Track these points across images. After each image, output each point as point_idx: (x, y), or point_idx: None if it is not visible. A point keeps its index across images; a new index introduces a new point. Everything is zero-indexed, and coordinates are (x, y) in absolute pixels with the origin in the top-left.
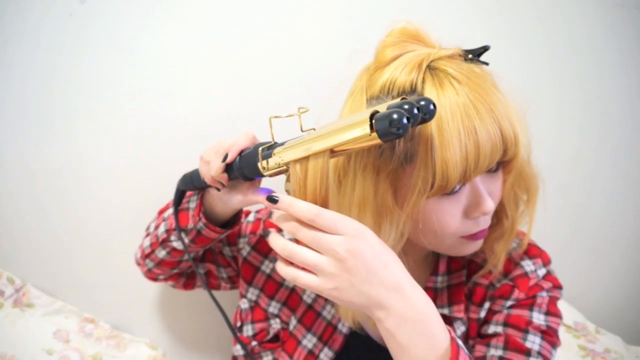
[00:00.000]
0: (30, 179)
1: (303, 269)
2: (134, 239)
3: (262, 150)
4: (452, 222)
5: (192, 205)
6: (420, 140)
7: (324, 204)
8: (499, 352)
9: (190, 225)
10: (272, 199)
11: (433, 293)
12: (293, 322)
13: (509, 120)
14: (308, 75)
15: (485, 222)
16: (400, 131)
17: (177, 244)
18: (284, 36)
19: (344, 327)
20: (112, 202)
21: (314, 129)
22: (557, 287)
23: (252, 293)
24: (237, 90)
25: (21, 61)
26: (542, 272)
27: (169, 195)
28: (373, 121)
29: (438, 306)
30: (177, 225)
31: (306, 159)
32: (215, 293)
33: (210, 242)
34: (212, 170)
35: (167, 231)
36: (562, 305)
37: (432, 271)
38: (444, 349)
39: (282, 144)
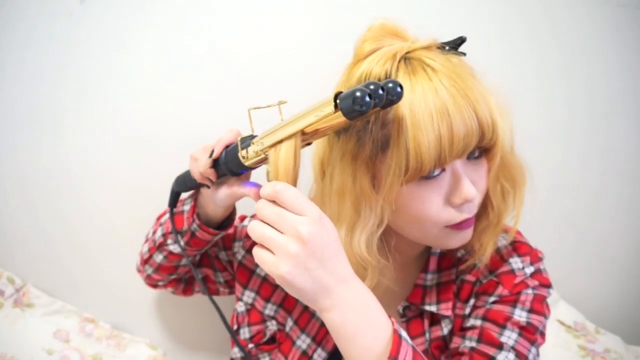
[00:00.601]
0: (29, 179)
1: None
2: (134, 238)
3: (242, 140)
4: (432, 208)
5: (187, 207)
6: (394, 124)
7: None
8: (472, 344)
9: (185, 227)
10: None
11: (422, 290)
12: (289, 323)
13: (486, 105)
14: (298, 76)
15: (469, 211)
16: (363, 108)
17: (173, 247)
18: (269, 38)
19: None
20: (112, 203)
21: None
22: (545, 285)
23: (248, 296)
24: (232, 93)
25: (19, 61)
26: (529, 270)
27: (167, 195)
28: (338, 101)
29: (426, 303)
30: (172, 227)
31: (280, 142)
32: (214, 297)
33: (206, 245)
34: (199, 166)
35: (164, 235)
36: (562, 305)
37: (422, 268)
38: (387, 338)
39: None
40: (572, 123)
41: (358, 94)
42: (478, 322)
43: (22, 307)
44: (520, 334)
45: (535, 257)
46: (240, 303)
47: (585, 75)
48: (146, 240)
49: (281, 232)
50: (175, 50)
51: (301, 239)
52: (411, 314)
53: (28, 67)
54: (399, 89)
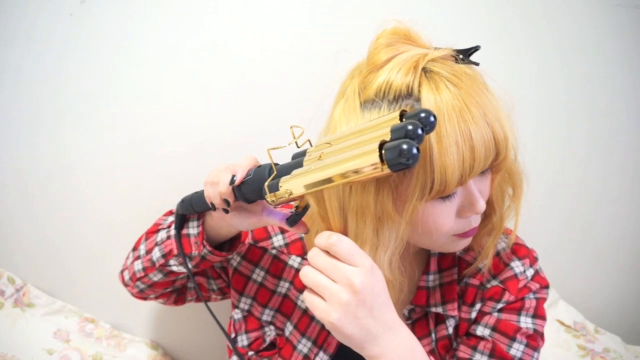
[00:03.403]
0: (29, 180)
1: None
2: (134, 238)
3: (268, 183)
4: (447, 223)
5: (193, 231)
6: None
7: (344, 233)
8: (485, 359)
9: (194, 253)
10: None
11: (426, 292)
12: (289, 327)
13: (500, 123)
14: (296, 76)
15: (476, 221)
16: (410, 161)
17: (177, 268)
18: (272, 38)
19: None
20: (112, 203)
21: (309, 142)
22: (545, 286)
23: (245, 302)
24: (233, 93)
25: (20, 61)
26: (530, 272)
27: (168, 196)
28: (383, 152)
29: (431, 305)
30: (181, 252)
31: (320, 191)
32: (209, 304)
33: (212, 264)
34: (221, 191)
35: (165, 256)
36: (562, 305)
37: (423, 270)
38: None
39: (284, 169)
40: (572, 123)
41: (405, 146)
42: (487, 332)
43: (22, 307)
44: (527, 345)
45: (532, 258)
46: (237, 310)
47: (585, 75)
48: (137, 257)
49: (334, 281)
50: (175, 50)
51: (353, 288)
52: (416, 315)
53: (28, 67)
54: (432, 119)
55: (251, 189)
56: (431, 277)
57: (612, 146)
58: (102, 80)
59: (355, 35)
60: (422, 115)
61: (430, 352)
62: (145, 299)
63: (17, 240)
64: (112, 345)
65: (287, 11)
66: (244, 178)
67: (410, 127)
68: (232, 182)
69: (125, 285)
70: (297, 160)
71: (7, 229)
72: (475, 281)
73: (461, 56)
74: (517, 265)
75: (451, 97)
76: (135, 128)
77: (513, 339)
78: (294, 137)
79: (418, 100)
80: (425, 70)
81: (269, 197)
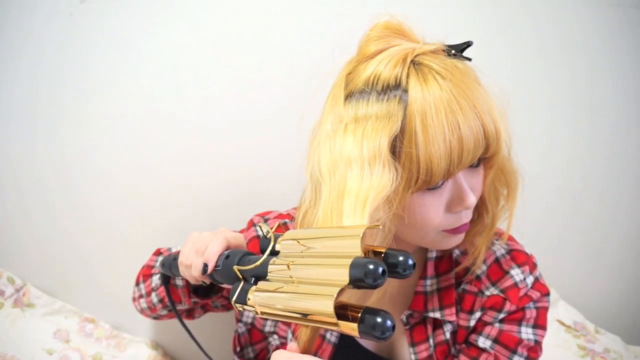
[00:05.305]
0: (31, 180)
1: None
2: (134, 239)
3: (236, 298)
4: (435, 216)
5: (180, 283)
6: (405, 137)
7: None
8: None
9: (184, 303)
10: None
11: (423, 297)
12: (289, 335)
13: (491, 116)
14: (292, 72)
15: (466, 217)
16: (377, 282)
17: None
18: (269, 34)
19: (332, 337)
20: (112, 203)
21: (283, 233)
22: (545, 294)
23: (247, 316)
24: (232, 92)
25: (22, 61)
26: (530, 280)
27: (170, 197)
28: (357, 323)
29: (429, 310)
30: (170, 301)
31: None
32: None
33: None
34: (194, 272)
35: (161, 301)
36: (562, 305)
37: (420, 274)
38: None
39: (250, 271)
40: (572, 124)
41: (371, 266)
42: (489, 344)
43: (22, 307)
44: (527, 357)
45: (532, 264)
46: (240, 324)
47: (585, 76)
48: (141, 296)
49: None
50: (175, 50)
51: None
52: (414, 320)
53: (27, 66)
54: (410, 262)
55: (222, 278)
56: (428, 282)
57: (612, 147)
58: (102, 80)
59: (353, 30)
60: (401, 259)
61: (429, 357)
62: (161, 320)
63: (17, 240)
64: (112, 345)
65: (286, 10)
66: (215, 268)
67: (371, 267)
68: (204, 271)
69: (140, 313)
70: (264, 263)
71: (7, 229)
72: (473, 288)
73: (453, 51)
74: (517, 273)
75: (439, 89)
76: (135, 128)
77: (514, 352)
78: (272, 233)
79: (406, 91)
80: (414, 62)
81: (237, 306)
